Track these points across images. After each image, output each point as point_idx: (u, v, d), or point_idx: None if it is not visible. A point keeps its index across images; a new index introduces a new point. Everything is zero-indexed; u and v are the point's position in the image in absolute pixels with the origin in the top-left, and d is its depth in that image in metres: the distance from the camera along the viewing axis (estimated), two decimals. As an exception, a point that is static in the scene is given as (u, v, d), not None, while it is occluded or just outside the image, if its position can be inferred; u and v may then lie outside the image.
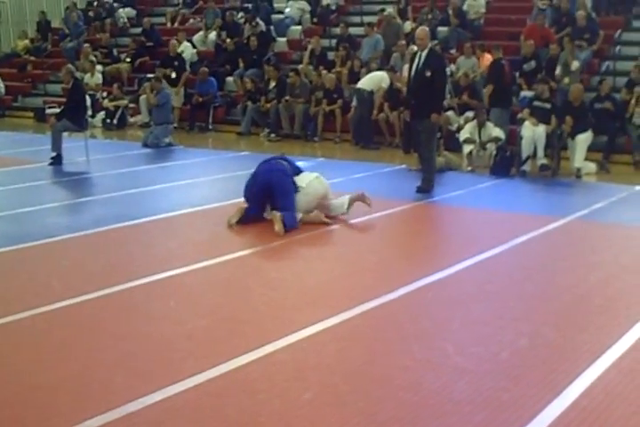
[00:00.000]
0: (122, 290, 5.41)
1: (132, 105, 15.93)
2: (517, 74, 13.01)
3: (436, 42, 14.83)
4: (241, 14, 17.72)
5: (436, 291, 5.49)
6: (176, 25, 19.23)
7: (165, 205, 8.27)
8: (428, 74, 8.65)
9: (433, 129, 8.91)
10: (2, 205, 8.24)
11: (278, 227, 6.89)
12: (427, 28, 9.34)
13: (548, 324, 4.86)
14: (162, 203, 8.42)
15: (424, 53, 8.78)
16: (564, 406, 3.70)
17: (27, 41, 20.75)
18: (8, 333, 4.65)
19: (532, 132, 10.28)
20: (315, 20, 17.35)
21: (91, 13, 20.58)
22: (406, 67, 12.38)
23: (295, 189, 7.30)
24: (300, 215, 7.23)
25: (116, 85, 16.14)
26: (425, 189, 8.82)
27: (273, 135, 13.76)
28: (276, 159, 7.64)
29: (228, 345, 4.43)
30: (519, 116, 10.90)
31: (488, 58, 13.29)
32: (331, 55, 15.32)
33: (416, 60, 8.85)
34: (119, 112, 15.66)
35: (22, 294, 5.37)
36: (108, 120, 15.65)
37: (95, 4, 21.01)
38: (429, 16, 15.57)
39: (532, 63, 12.95)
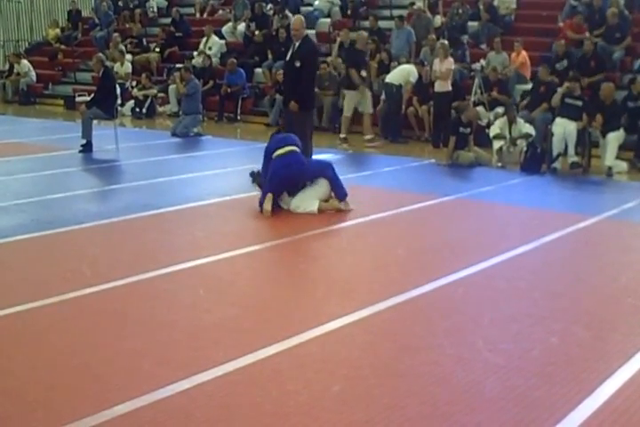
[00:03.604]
0: (150, 278, 5.41)
1: (161, 94, 15.99)
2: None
3: (465, 36, 14.83)
4: (270, 6, 17.69)
5: (466, 287, 5.44)
6: (205, 16, 19.26)
7: (193, 194, 8.28)
8: (298, 64, 8.46)
9: (304, 120, 8.64)
10: (32, 191, 8.31)
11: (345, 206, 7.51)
12: (302, 18, 9.02)
13: (578, 323, 4.80)
14: (190, 192, 8.43)
15: (297, 44, 8.57)
16: (595, 406, 3.65)
17: (57, 30, 20.93)
18: (37, 317, 4.67)
19: (563, 130, 10.19)
20: (345, 12, 17.27)
21: (120, 3, 20.66)
22: (436, 61, 12.39)
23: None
24: (317, 203, 7.38)
25: (144, 75, 16.20)
26: None
27: (300, 127, 13.71)
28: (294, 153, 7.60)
29: (256, 335, 4.41)
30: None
31: (524, 55, 13.18)
32: (360, 48, 15.24)
33: (290, 51, 8.68)
34: (148, 101, 15.73)
35: (51, 280, 5.39)
36: (137, 109, 15.72)
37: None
38: (460, 10, 15.47)
39: (565, 62, 12.83)
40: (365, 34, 13.29)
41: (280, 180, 7.43)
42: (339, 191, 7.55)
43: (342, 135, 12.46)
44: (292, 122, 8.67)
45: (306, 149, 8.41)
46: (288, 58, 8.65)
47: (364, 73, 12.35)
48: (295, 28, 8.62)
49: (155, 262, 5.75)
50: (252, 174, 7.85)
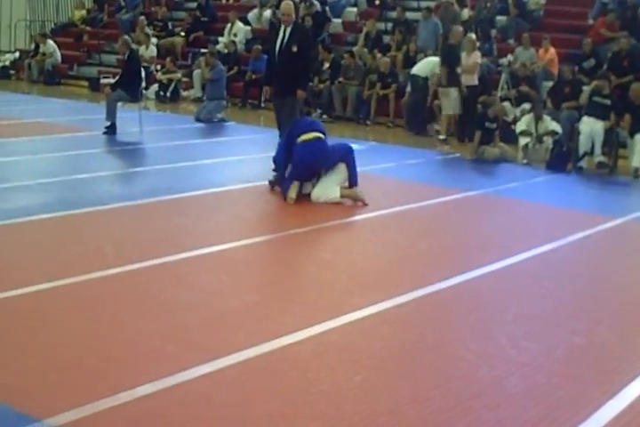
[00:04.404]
0: (172, 261, 5.40)
1: (185, 79, 15.97)
2: (577, 68, 12.79)
3: (493, 30, 14.71)
4: (296, -7, 17.61)
5: (490, 282, 5.41)
6: (231, 1, 19.20)
7: (216, 179, 8.28)
8: (295, 49, 8.17)
9: (295, 107, 8.37)
10: (57, 171, 8.33)
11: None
12: (291, 3, 8.72)
13: (602, 323, 4.77)
14: (213, 177, 8.42)
15: (289, 29, 8.26)
16: (620, 408, 3.61)
17: (83, 11, 20.92)
18: (59, 297, 4.67)
19: (590, 128, 10.09)
20: (372, 2, 17.15)
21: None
22: (463, 54, 12.28)
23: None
24: (338, 190, 7.36)
25: (169, 59, 16.18)
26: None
27: (325, 116, 13.67)
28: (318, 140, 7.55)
29: (279, 322, 4.40)
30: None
31: (552, 52, 13.06)
32: (386, 39, 15.19)
33: (280, 36, 8.33)
34: (172, 86, 15.71)
35: (74, 259, 5.39)
36: (162, 93, 15.71)
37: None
38: (488, 4, 15.34)
39: (592, 61, 12.70)
40: (460, 28, 12.57)
41: (304, 167, 7.40)
42: (353, 178, 7.52)
43: (442, 137, 11.83)
44: (281, 107, 8.44)
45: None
46: (279, 44, 8.30)
47: (459, 70, 11.78)
48: (286, 13, 8.34)
49: (177, 246, 5.73)
50: (271, 183, 7.84)
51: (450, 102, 11.79)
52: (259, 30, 17.17)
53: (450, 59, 11.78)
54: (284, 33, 8.26)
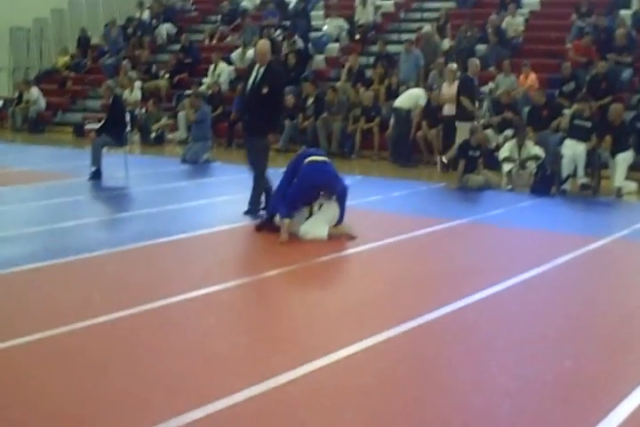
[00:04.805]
0: (161, 306, 5.37)
1: (169, 121, 16.03)
2: (557, 92, 12.95)
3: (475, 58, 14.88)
4: (279, 31, 17.82)
5: (479, 310, 5.41)
6: (214, 42, 19.40)
7: (204, 221, 8.27)
8: (265, 91, 8.09)
9: (265, 147, 8.39)
10: (43, 219, 8.31)
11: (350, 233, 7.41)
12: (268, 42, 8.73)
13: (592, 344, 4.79)
14: (201, 219, 8.42)
15: (262, 69, 8.16)
16: (611, 429, 3.62)
17: (67, 57, 21.02)
18: (48, 347, 4.64)
19: (572, 151, 10.19)
20: (354, 37, 17.35)
21: (130, 30, 20.78)
22: (445, 84, 12.42)
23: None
24: (326, 229, 7.34)
25: (151, 101, 16.27)
26: (250, 211, 8.39)
27: (310, 152, 13.74)
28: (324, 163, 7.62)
29: (269, 363, 4.37)
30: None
31: (532, 78, 13.22)
32: (368, 73, 15.35)
33: (253, 75, 8.23)
34: (159, 131, 15.78)
35: (62, 309, 5.36)
36: (147, 136, 15.77)
37: (137, 20, 21.17)
38: (468, 33, 15.55)
39: (572, 84, 12.86)
40: (476, 60, 12.47)
41: (309, 186, 7.36)
42: (340, 217, 7.51)
43: (445, 160, 11.74)
44: (251, 145, 8.50)
45: (261, 174, 8.30)
46: (251, 83, 8.25)
47: (476, 104, 11.58)
48: (262, 53, 8.28)
49: (166, 290, 5.71)
50: (258, 227, 7.76)
51: (463, 135, 11.35)
52: (242, 70, 17.31)
53: (467, 92, 11.58)
54: (257, 72, 8.24)
